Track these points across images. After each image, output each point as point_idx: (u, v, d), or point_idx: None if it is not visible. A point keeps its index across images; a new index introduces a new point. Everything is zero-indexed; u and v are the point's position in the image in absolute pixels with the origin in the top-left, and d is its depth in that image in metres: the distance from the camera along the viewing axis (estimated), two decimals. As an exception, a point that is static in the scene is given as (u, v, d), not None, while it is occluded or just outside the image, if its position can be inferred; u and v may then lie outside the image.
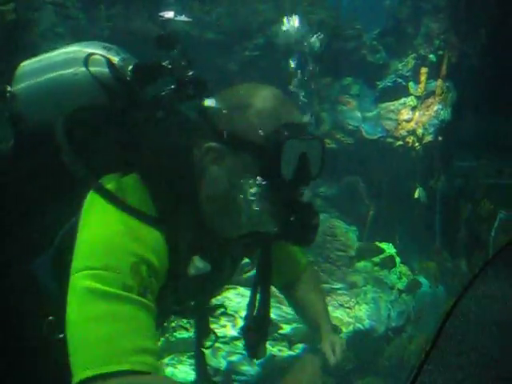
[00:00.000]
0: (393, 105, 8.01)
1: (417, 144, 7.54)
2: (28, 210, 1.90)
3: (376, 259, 7.35)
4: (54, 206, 1.84)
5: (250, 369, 5.77)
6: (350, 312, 6.81)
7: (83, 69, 1.93)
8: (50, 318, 1.81)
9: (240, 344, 5.75)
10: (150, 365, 1.61)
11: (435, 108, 7.43)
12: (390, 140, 7.85)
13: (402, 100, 7.95)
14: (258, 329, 2.23)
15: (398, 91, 8.00)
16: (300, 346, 6.05)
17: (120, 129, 1.87)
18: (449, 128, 6.98)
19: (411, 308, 6.81)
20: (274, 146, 1.75)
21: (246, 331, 2.28)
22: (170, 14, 2.09)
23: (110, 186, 1.75)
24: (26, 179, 1.91)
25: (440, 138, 7.18)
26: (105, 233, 1.69)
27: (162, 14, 2.06)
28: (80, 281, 1.64)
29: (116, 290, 1.61)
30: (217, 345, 5.72)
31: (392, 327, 6.67)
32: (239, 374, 5.78)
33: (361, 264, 7.40)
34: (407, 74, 8.00)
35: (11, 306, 1.89)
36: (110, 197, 1.72)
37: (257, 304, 2.23)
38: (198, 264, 1.85)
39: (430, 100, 7.57)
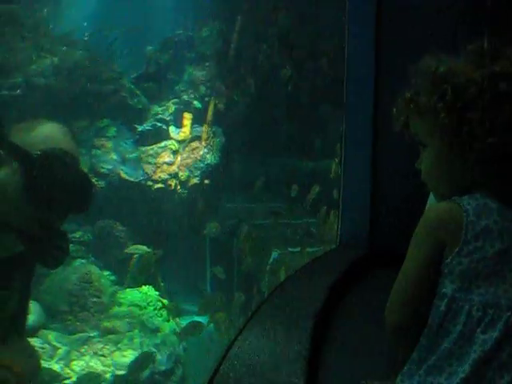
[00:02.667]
0: (152, 148, 8.07)
1: (179, 187, 7.68)
2: None
3: (140, 303, 7.23)
4: None
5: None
6: (105, 360, 6.57)
7: None
8: None
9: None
10: None
11: (201, 152, 7.68)
12: (149, 183, 7.88)
13: (163, 143, 8.06)
14: None
15: (158, 135, 8.11)
16: None
17: None
18: (216, 171, 7.25)
19: (181, 350, 6.79)
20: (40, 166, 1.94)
21: None
22: None
23: None
24: None
25: (207, 181, 7.41)
26: None
27: None
28: None
29: None
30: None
31: (159, 371, 6.57)
32: None
33: (123, 309, 7.21)
34: (168, 119, 8.17)
35: None
36: None
37: None
38: None
39: (195, 144, 7.81)
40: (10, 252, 2.00)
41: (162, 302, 7.23)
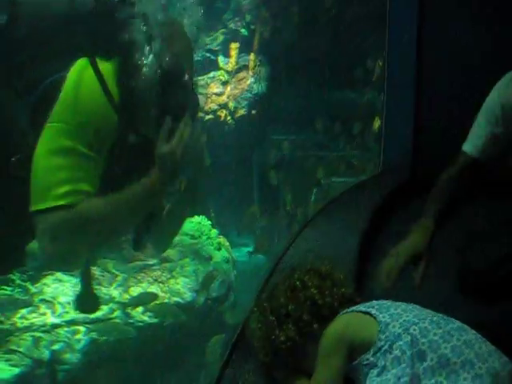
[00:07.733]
0: (202, 79, 8.04)
1: (229, 118, 7.66)
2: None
3: (192, 232, 7.36)
4: (47, 57, 2.11)
5: (72, 356, 5.52)
6: (163, 286, 6.77)
7: None
8: (18, 156, 2.09)
9: (62, 332, 5.54)
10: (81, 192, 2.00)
11: (248, 82, 7.61)
12: (200, 114, 7.88)
13: (212, 74, 8.01)
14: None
15: (207, 65, 8.05)
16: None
17: None
18: (262, 102, 7.18)
19: (232, 277, 6.95)
20: None
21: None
22: None
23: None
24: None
25: (254, 112, 7.36)
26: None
27: None
28: (52, 130, 1.99)
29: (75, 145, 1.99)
30: (37, 334, 5.41)
31: (213, 297, 6.76)
32: (62, 363, 5.48)
33: (177, 238, 7.35)
34: (216, 49, 8.08)
35: None
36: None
37: None
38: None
39: (243, 74, 7.73)
40: None
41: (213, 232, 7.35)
